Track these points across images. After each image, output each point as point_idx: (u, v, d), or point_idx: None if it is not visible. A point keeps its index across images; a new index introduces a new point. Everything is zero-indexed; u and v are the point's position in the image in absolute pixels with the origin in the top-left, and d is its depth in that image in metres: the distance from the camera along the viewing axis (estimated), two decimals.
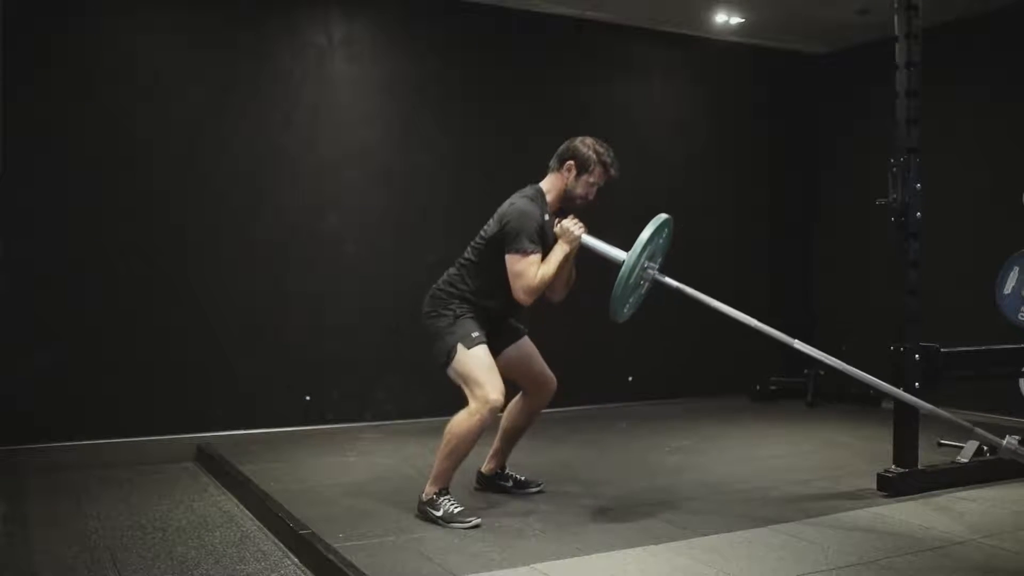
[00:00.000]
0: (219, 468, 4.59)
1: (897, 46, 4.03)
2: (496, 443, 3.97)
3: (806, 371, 6.67)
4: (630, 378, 6.50)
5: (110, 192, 5.03)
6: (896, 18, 4.04)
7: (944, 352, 4.05)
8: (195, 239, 5.23)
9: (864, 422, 5.77)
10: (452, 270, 3.70)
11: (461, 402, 3.51)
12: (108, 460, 4.80)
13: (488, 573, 2.90)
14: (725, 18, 6.37)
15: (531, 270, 3.47)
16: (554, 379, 3.85)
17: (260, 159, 5.39)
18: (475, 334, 3.53)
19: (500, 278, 3.54)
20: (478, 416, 3.41)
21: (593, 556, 3.06)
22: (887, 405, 4.81)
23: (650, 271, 3.52)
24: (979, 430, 3.63)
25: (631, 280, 3.41)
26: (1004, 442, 3.49)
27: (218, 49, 5.31)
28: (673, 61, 6.79)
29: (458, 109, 5.97)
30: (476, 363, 3.47)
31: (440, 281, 3.70)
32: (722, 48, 6.87)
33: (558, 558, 3.03)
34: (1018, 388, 5.02)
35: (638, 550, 3.12)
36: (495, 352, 3.60)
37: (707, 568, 2.95)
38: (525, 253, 3.47)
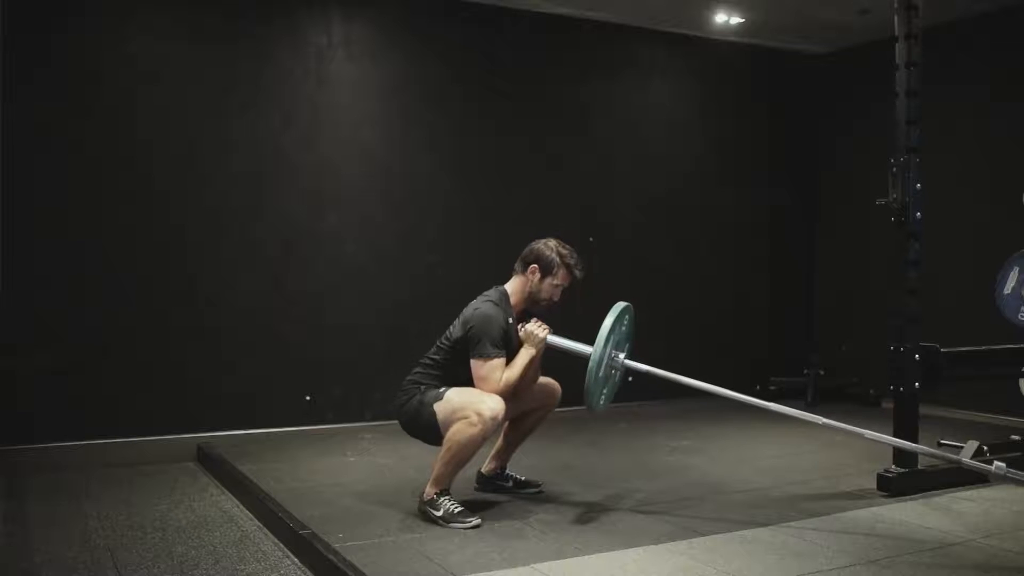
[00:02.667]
0: (219, 468, 4.59)
1: (897, 46, 4.03)
2: (498, 443, 3.98)
3: (806, 371, 6.68)
4: (630, 378, 6.46)
5: (110, 192, 5.03)
6: (896, 18, 4.04)
7: (944, 352, 4.05)
8: (195, 239, 5.23)
9: (864, 422, 5.74)
10: (418, 368, 3.72)
11: None
12: (108, 460, 4.80)
13: (488, 573, 2.90)
14: (725, 18, 6.37)
15: (495, 375, 3.51)
16: (557, 390, 3.89)
17: (260, 159, 5.39)
18: (441, 389, 3.57)
19: (465, 380, 3.58)
20: (480, 427, 3.41)
21: (593, 556, 3.06)
22: (887, 405, 4.82)
23: (618, 359, 3.57)
24: (967, 460, 3.63)
25: (600, 373, 3.47)
26: (994, 468, 3.46)
27: (218, 49, 5.31)
28: (673, 61, 6.79)
29: (458, 109, 5.97)
30: (458, 395, 3.51)
31: (408, 377, 3.72)
32: (722, 48, 6.87)
33: (558, 558, 3.03)
34: (1018, 388, 5.02)
35: (638, 550, 3.13)
36: None
37: (707, 568, 2.95)
38: (488, 358, 3.51)
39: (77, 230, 4.95)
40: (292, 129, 5.47)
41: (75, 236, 4.95)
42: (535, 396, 3.83)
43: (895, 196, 3.99)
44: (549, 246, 3.70)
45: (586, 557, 3.05)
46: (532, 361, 3.59)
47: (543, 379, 3.86)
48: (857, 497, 3.89)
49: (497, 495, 3.92)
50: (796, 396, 6.61)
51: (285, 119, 5.46)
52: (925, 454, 3.73)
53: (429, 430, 3.57)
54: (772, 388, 6.75)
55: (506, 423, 3.92)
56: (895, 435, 4.00)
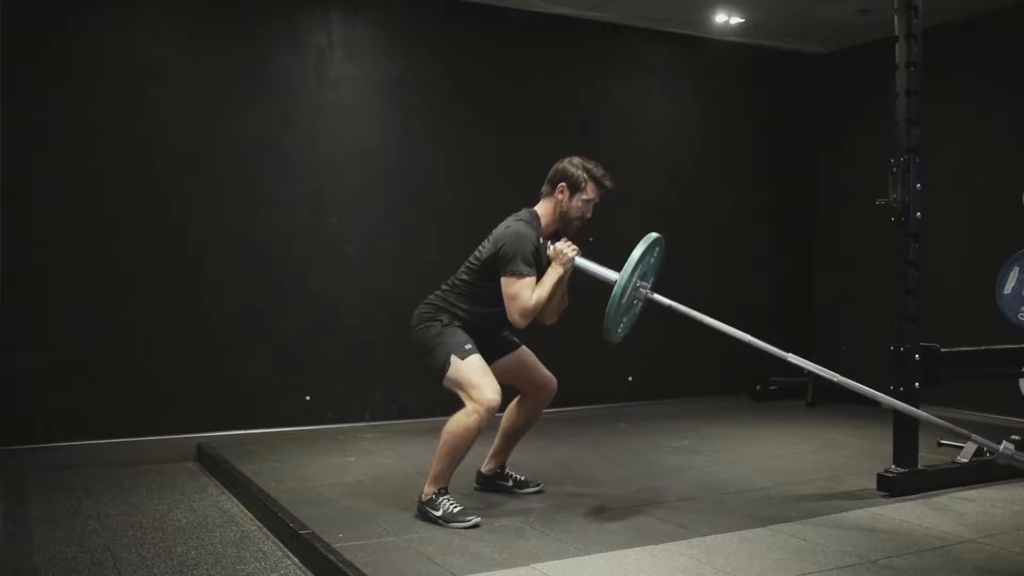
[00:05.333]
0: (219, 468, 4.59)
1: (897, 46, 4.03)
2: (496, 443, 3.97)
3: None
4: (630, 378, 6.51)
5: (110, 192, 5.03)
6: (896, 18, 4.04)
7: (944, 352, 4.05)
8: (195, 239, 5.23)
9: (864, 422, 5.77)
10: (444, 287, 3.71)
11: (459, 403, 3.52)
12: (108, 460, 4.80)
13: (488, 573, 2.90)
14: (725, 18, 6.37)
15: (526, 292, 3.49)
16: (554, 381, 3.86)
17: (260, 159, 5.39)
18: (467, 345, 3.54)
19: (494, 299, 3.56)
20: (475, 416, 3.42)
21: (593, 556, 3.06)
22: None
23: (642, 290, 3.52)
24: (975, 436, 3.63)
25: (624, 301, 3.43)
26: (1001, 448, 3.48)
27: (218, 49, 5.31)
28: (673, 61, 6.79)
29: (458, 109, 5.97)
30: (469, 369, 3.49)
31: (430, 296, 3.71)
32: (722, 48, 6.87)
33: (558, 558, 3.03)
34: (1018, 388, 5.02)
35: (638, 550, 3.13)
36: (488, 361, 3.60)
37: (707, 568, 2.95)
38: (520, 275, 3.49)
39: (77, 230, 4.95)
40: (292, 129, 5.47)
41: (75, 236, 4.95)
42: (533, 381, 3.81)
43: (895, 196, 3.98)
44: (574, 163, 3.67)
45: (586, 557, 3.05)
46: (560, 280, 3.55)
47: (542, 371, 3.84)
48: (857, 497, 3.88)
49: (497, 495, 3.91)
50: (796, 396, 6.61)
51: (285, 119, 5.46)
52: (935, 424, 3.66)
53: (435, 369, 3.56)
54: (772, 388, 6.75)
55: (503, 423, 3.92)
56: (895, 435, 4.00)
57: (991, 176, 6.05)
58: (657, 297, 3.54)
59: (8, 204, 4.76)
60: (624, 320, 3.55)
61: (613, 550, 3.12)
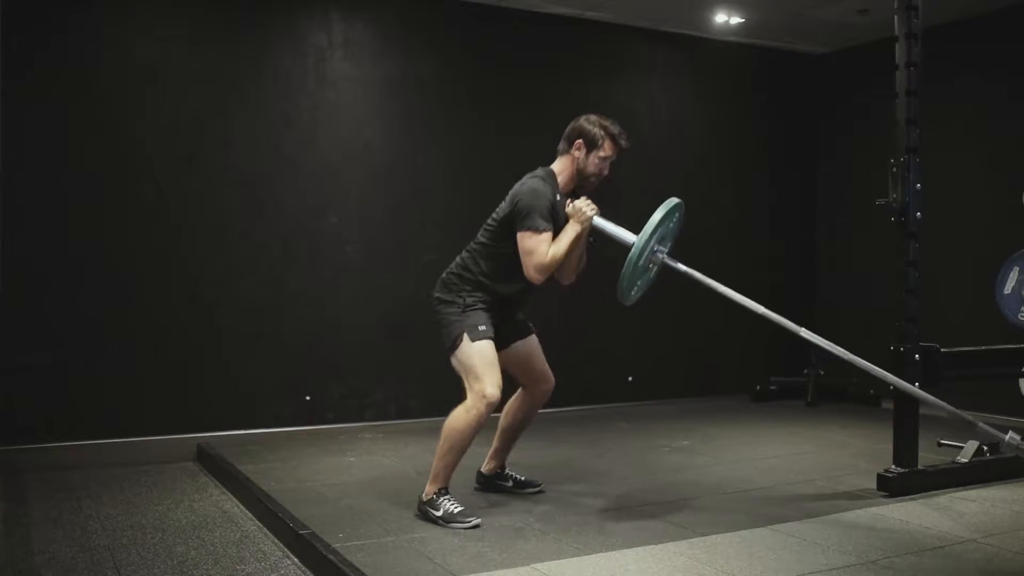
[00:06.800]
0: (219, 468, 4.59)
1: (897, 46, 4.03)
2: (495, 442, 3.97)
3: (806, 371, 6.67)
4: (630, 378, 6.50)
5: (110, 192, 5.03)
6: (896, 18, 4.04)
7: (944, 352, 4.05)
8: (195, 239, 5.23)
9: (864, 422, 5.78)
10: (464, 254, 3.69)
11: (459, 401, 3.52)
12: (108, 460, 4.80)
13: (488, 573, 2.90)
14: (725, 18, 6.37)
15: (542, 247, 3.47)
16: (552, 379, 3.85)
17: (260, 159, 5.39)
18: (482, 327, 3.52)
19: (512, 259, 3.53)
20: (475, 411, 3.42)
21: (593, 556, 3.06)
22: (887, 405, 4.82)
23: (659, 255, 3.52)
24: (982, 425, 3.64)
25: (640, 263, 3.42)
26: (1007, 437, 3.51)
27: (218, 49, 5.31)
28: (673, 61, 6.79)
29: (458, 109, 5.97)
30: (479, 357, 3.48)
31: (452, 265, 3.70)
32: (722, 48, 6.87)
33: (558, 558, 3.03)
34: (1018, 388, 5.02)
35: (638, 550, 3.12)
36: (503, 343, 3.61)
37: (707, 568, 2.95)
38: (536, 231, 3.47)
39: (77, 230, 4.95)
40: (292, 129, 5.47)
41: (75, 236, 4.95)
42: (536, 374, 3.80)
43: (895, 196, 3.98)
44: (591, 120, 3.66)
45: (586, 557, 3.05)
46: (578, 238, 3.53)
47: (545, 365, 3.83)
48: (857, 497, 3.88)
49: (497, 495, 3.91)
50: (796, 396, 6.61)
51: (285, 119, 5.46)
52: (941, 408, 3.66)
53: (446, 345, 3.56)
54: (772, 388, 6.75)
55: (501, 422, 3.91)
56: (895, 435, 4.00)
57: (991, 176, 6.05)
58: (673, 263, 3.54)
59: (8, 204, 4.76)
60: (639, 283, 3.55)
61: (613, 550, 3.12)
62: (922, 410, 4.03)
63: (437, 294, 3.66)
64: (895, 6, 4.03)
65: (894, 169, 3.99)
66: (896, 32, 4.03)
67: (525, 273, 3.51)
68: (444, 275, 3.69)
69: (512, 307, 3.73)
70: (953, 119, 6.11)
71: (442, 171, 5.91)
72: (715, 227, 6.88)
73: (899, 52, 4.02)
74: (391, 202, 5.76)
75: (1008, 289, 5.01)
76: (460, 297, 3.59)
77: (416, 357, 5.72)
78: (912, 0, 3.99)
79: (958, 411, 3.62)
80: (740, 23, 6.47)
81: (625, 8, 6.17)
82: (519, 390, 3.89)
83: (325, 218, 5.56)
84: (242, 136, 5.34)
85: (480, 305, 3.59)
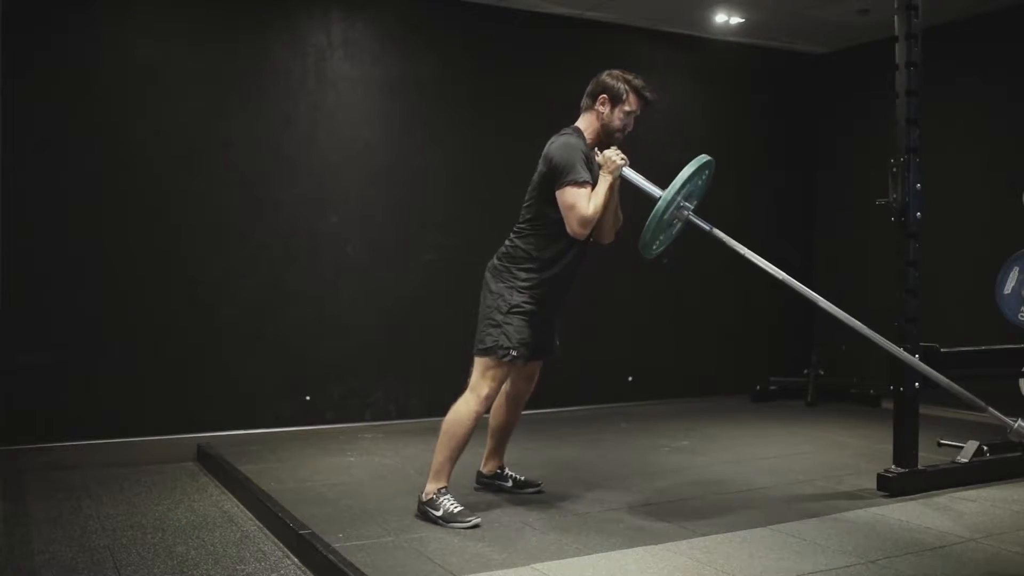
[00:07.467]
0: (219, 468, 4.59)
1: (897, 46, 4.03)
2: (489, 442, 3.97)
3: (806, 371, 6.68)
4: (630, 378, 6.50)
5: (110, 192, 5.03)
6: (896, 18, 4.04)
7: (944, 352, 4.05)
8: (195, 239, 5.23)
9: (864, 422, 5.78)
10: (509, 238, 3.62)
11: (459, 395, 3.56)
12: (108, 460, 4.80)
13: (488, 573, 2.90)
14: (725, 18, 6.37)
15: (582, 201, 3.42)
16: (536, 377, 3.84)
17: (260, 159, 5.38)
18: (515, 352, 3.47)
19: (556, 225, 3.48)
20: (472, 404, 3.47)
21: (593, 556, 3.06)
22: (887, 405, 4.82)
23: (684, 211, 3.50)
24: (992, 409, 3.65)
25: (665, 216, 3.41)
26: (1015, 425, 3.53)
27: (218, 49, 5.31)
28: (673, 61, 6.79)
29: (458, 109, 5.97)
30: (495, 373, 3.50)
31: (499, 251, 3.62)
32: (722, 48, 6.87)
33: (558, 558, 3.03)
34: (1018, 388, 5.02)
35: (638, 550, 3.13)
36: (532, 356, 3.60)
37: (707, 568, 2.95)
38: (577, 184, 3.42)
39: (77, 230, 4.95)
40: (292, 129, 5.47)
41: (75, 236, 4.95)
42: (527, 373, 3.78)
43: (895, 196, 3.99)
44: (613, 75, 3.66)
45: (586, 557, 3.05)
46: (611, 187, 3.49)
47: (536, 364, 3.81)
48: (857, 497, 3.89)
49: (497, 495, 3.91)
50: (796, 396, 6.61)
51: (285, 119, 5.46)
52: (954, 391, 3.67)
53: (478, 339, 3.52)
54: (772, 388, 6.75)
55: (491, 423, 3.91)
56: (895, 435, 4.01)
57: (991, 176, 6.05)
58: (698, 220, 3.53)
59: (8, 204, 4.76)
60: (661, 237, 3.55)
61: (613, 550, 3.13)
62: (922, 410, 4.03)
63: (488, 276, 3.58)
64: (895, 6, 4.03)
65: (894, 169, 3.99)
66: (896, 32, 4.03)
67: (568, 229, 3.44)
68: (492, 261, 3.61)
69: (560, 293, 3.62)
70: (953, 119, 6.11)
71: (442, 171, 5.91)
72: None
73: (899, 52, 4.02)
74: (391, 202, 5.76)
75: (1008, 289, 5.00)
76: (508, 288, 3.50)
77: (416, 357, 5.72)
78: (912, 0, 3.99)
79: (969, 394, 3.64)
80: (740, 23, 6.47)
81: (625, 8, 6.17)
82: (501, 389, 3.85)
83: (325, 218, 5.56)
84: (242, 136, 5.34)
85: (527, 304, 3.51)
